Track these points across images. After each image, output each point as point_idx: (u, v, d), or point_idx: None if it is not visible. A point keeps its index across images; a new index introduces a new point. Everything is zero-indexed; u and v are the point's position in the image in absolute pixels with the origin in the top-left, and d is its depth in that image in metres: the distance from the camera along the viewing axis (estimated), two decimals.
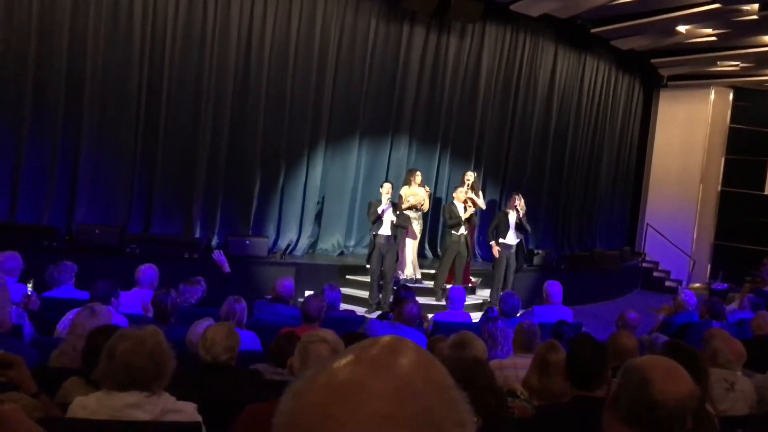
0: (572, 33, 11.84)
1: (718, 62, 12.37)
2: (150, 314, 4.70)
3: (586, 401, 2.48)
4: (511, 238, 8.84)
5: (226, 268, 5.75)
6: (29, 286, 4.90)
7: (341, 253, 10.24)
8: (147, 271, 5.44)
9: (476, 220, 9.48)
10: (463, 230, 8.76)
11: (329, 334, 2.42)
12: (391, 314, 5.40)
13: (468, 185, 9.26)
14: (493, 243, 8.80)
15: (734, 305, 7.45)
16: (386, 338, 0.69)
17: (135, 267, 5.51)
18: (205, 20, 8.87)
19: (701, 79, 13.75)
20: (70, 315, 4.26)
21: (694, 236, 14.25)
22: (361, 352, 0.65)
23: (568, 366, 2.70)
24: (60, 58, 8.12)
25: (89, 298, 4.48)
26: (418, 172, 9.49)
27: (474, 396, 1.52)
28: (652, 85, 14.72)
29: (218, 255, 5.83)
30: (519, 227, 8.88)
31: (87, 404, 2.22)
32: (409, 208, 9.00)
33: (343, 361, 0.64)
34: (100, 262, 7.16)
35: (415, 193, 9.27)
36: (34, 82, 8.04)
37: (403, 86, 10.55)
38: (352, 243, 10.45)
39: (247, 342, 4.22)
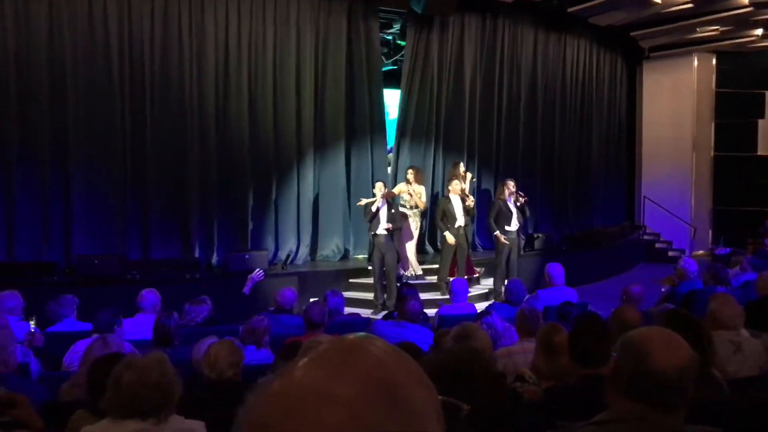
0: (550, 15, 11.84)
1: (698, 29, 12.38)
2: None
3: (591, 380, 2.48)
4: (514, 225, 8.87)
5: (247, 290, 5.80)
6: (32, 323, 4.90)
7: (343, 257, 10.24)
8: (148, 296, 5.44)
9: (474, 211, 9.49)
10: (460, 222, 8.75)
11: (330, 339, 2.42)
12: (395, 313, 5.40)
13: (461, 177, 9.30)
14: (497, 233, 8.79)
15: (738, 269, 7.45)
16: (347, 338, 0.66)
17: (138, 293, 5.51)
18: (181, 41, 8.86)
19: (683, 47, 13.76)
20: (75, 348, 4.26)
21: (692, 204, 14.26)
22: (318, 354, 0.62)
23: (570, 345, 2.70)
24: (41, 92, 8.11)
25: (92, 329, 4.48)
26: (410, 170, 9.48)
27: (471, 385, 1.52)
28: (634, 59, 14.73)
29: (258, 275, 5.88)
30: (521, 212, 8.91)
31: None
32: (402, 206, 9.03)
33: (298, 365, 0.61)
34: (103, 291, 7.16)
35: (408, 190, 9.27)
36: (19, 119, 8.03)
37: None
38: (351, 245, 10.46)
39: (263, 359, 4.20)
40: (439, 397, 0.64)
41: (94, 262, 7.90)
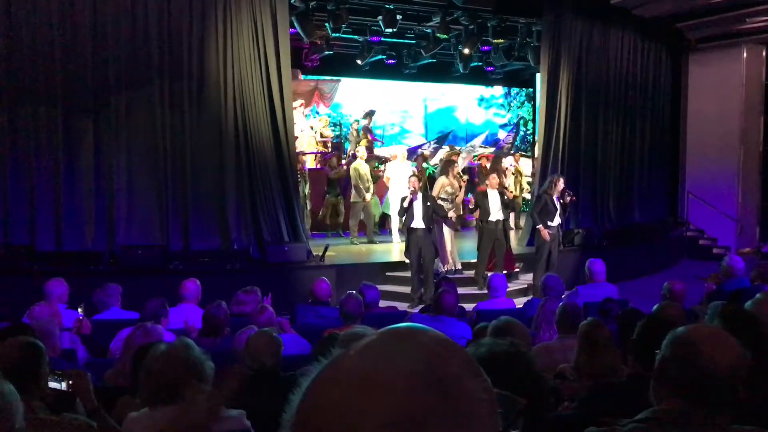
0: (593, 7, 11.60)
1: (747, 19, 11.99)
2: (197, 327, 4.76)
3: (644, 379, 2.43)
4: (556, 221, 8.81)
5: None
6: (80, 311, 5.03)
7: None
8: (191, 286, 5.56)
9: (516, 204, 9.37)
10: (498, 216, 8.68)
11: (368, 330, 2.42)
12: (431, 307, 5.39)
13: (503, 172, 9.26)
14: (540, 227, 8.72)
15: None
16: (398, 327, 0.65)
17: (179, 283, 5.63)
18: (218, 39, 8.91)
19: (731, 38, 13.34)
20: (121, 335, 4.36)
21: (739, 200, 13.84)
22: (367, 343, 0.63)
23: (632, 346, 2.64)
24: (86, 87, 8.29)
25: (139, 318, 4.58)
26: (456, 164, 9.45)
27: (512, 380, 1.51)
28: (680, 51, 14.34)
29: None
30: (563, 209, 8.86)
31: (139, 419, 2.28)
32: (444, 199, 8.99)
33: (348, 354, 0.61)
34: (146, 281, 7.31)
35: (452, 183, 9.23)
36: (64, 114, 8.23)
37: None
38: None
39: (296, 344, 4.26)
40: (495, 390, 0.63)
41: (137, 253, 8.08)
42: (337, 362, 0.61)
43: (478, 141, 17.00)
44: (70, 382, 2.40)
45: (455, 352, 0.63)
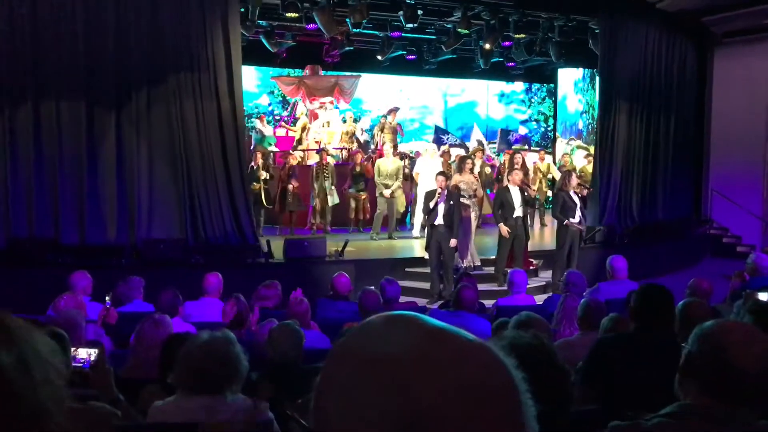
0: (619, 1, 11.49)
1: None
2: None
3: (647, 335, 2.65)
4: (578, 216, 8.74)
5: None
6: (108, 299, 5.07)
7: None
8: (213, 279, 5.61)
9: (537, 201, 9.34)
10: (519, 213, 8.63)
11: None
12: (451, 302, 5.38)
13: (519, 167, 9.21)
14: (568, 220, 8.66)
15: None
16: (382, 316, 0.68)
17: (201, 277, 5.68)
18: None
19: (758, 32, 13.09)
20: None
21: (764, 197, 13.62)
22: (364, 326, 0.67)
23: (633, 308, 2.75)
24: (108, 89, 8.38)
25: (155, 310, 4.63)
26: (469, 160, 9.42)
27: (536, 372, 1.50)
28: (706, 45, 14.10)
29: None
30: (584, 202, 8.82)
31: (165, 409, 2.31)
32: (462, 196, 8.97)
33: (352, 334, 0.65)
34: (168, 274, 7.36)
35: (467, 180, 9.21)
36: (86, 110, 8.32)
37: None
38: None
39: (314, 340, 4.28)
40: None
41: (159, 246, 8.16)
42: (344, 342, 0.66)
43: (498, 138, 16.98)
44: (93, 358, 2.43)
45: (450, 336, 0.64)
